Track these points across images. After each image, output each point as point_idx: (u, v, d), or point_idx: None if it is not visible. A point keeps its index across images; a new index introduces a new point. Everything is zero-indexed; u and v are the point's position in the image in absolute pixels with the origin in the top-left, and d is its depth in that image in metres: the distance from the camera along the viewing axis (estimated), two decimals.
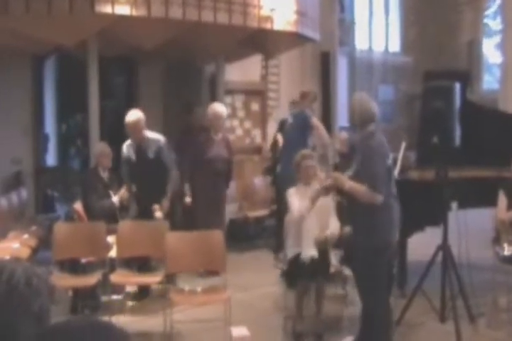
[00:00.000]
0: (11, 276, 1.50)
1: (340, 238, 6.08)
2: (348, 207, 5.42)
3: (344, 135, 10.74)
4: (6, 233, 7.86)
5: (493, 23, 18.87)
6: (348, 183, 5.10)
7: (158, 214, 7.08)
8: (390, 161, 5.17)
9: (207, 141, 8.11)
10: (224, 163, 8.13)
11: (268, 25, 9.19)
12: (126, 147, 7.33)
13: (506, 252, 6.43)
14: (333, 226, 6.12)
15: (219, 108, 8.12)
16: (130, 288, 7.14)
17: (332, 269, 6.03)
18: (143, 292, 7.13)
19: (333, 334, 5.93)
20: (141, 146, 7.24)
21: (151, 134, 7.29)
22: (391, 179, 5.19)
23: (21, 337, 1.47)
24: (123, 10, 7.75)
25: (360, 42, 17.02)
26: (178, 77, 10.99)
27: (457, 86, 5.87)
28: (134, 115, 7.10)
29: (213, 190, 8.00)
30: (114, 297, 6.66)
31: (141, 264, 6.65)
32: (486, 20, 18.96)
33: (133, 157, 7.28)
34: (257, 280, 7.85)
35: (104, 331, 1.39)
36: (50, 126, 13.57)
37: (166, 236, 6.16)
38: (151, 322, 6.35)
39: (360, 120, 5.21)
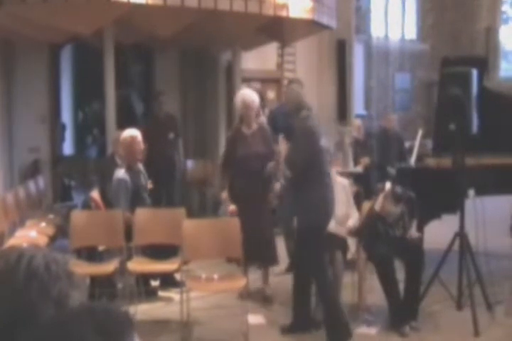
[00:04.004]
0: (30, 262, 1.51)
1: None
2: (287, 186, 5.78)
3: (359, 122, 10.78)
4: (23, 221, 7.92)
5: (511, 10, 18.69)
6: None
7: None
8: (324, 142, 5.58)
9: (235, 137, 6.91)
10: (261, 160, 6.70)
11: (284, 13, 9.14)
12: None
13: None
14: (355, 217, 6.22)
15: (247, 95, 6.84)
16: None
17: (349, 255, 6.05)
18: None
19: (350, 322, 5.82)
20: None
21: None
22: (326, 159, 5.56)
23: (40, 321, 1.48)
24: None
25: (377, 30, 16.92)
26: (194, 65, 10.98)
27: (474, 72, 5.83)
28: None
29: (250, 192, 6.70)
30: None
31: (158, 252, 6.64)
32: (503, 7, 18.79)
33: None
34: (272, 268, 7.84)
35: (105, 316, 1.36)
36: (67, 115, 13.65)
37: (183, 224, 6.18)
38: (168, 310, 6.39)
39: (296, 107, 5.71)
